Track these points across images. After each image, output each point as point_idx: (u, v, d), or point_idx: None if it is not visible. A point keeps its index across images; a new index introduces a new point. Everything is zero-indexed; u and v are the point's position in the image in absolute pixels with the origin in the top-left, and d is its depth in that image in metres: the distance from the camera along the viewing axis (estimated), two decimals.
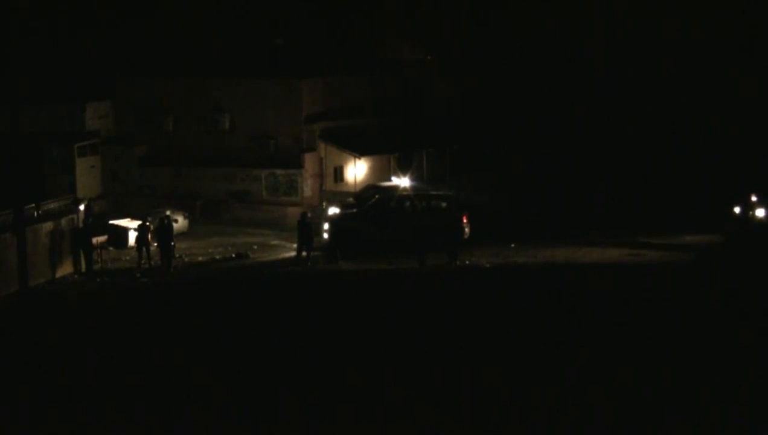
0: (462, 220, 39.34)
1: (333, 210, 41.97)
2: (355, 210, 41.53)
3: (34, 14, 52.33)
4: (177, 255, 39.06)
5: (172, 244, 38.12)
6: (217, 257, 40.37)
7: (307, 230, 38.57)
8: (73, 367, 24.42)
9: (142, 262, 38.39)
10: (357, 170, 47.28)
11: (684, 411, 20.50)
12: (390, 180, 44.90)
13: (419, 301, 31.27)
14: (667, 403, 20.93)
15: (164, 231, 38.13)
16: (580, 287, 32.85)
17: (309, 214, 40.17)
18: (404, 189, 41.88)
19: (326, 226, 41.26)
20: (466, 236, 39.71)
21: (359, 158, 47.10)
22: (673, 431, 19.71)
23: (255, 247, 42.19)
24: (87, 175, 47.00)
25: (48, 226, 36.33)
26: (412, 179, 43.53)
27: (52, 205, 37.30)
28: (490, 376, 22.87)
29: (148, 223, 39.32)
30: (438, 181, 46.49)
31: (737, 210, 41.10)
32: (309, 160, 46.68)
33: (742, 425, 19.78)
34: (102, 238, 39.47)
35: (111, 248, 40.75)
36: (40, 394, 22.38)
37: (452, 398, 21.38)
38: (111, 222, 42.38)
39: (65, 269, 37.07)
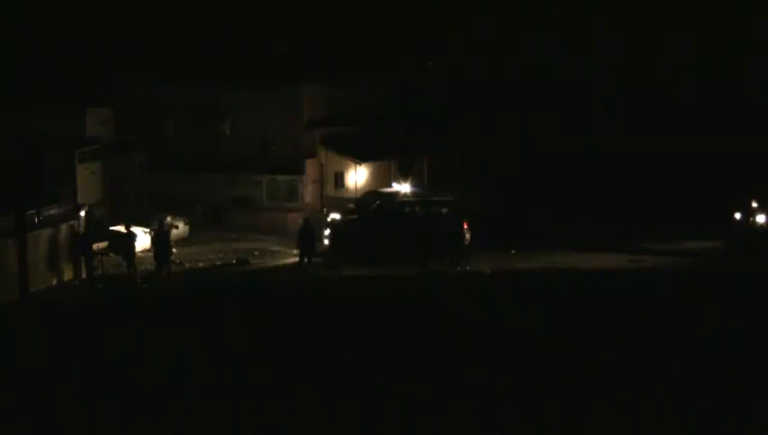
0: (463, 226, 39.32)
1: (334, 216, 42.00)
2: (355, 216, 41.56)
3: (34, 20, 52.38)
4: (178, 260, 39.06)
5: (173, 249, 38.17)
6: (218, 263, 40.37)
7: (309, 236, 38.53)
8: (73, 371, 24.42)
9: (130, 270, 38.29)
10: (358, 176, 47.30)
11: (685, 415, 20.50)
12: (391, 186, 44.92)
13: (419, 307, 31.29)
14: (667, 407, 20.93)
15: (161, 237, 38.10)
16: (580, 293, 32.86)
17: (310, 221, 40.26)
18: (405, 195, 41.90)
19: (327, 232, 41.32)
20: (467, 242, 39.71)
21: (360, 164, 47.13)
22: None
23: (256, 253, 42.20)
24: (88, 181, 47.02)
25: (49, 232, 36.35)
26: (413, 185, 43.55)
27: (53, 211, 37.30)
28: (492, 381, 22.86)
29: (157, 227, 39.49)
30: (439, 187, 46.52)
31: (738, 216, 41.11)
32: (310, 165, 46.72)
33: (743, 428, 19.81)
34: (102, 244, 39.52)
35: (112, 254, 40.76)
36: (41, 398, 22.38)
37: (453, 401, 21.38)
38: (111, 228, 42.41)
39: (66, 275, 37.09)
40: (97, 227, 41.10)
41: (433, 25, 55.14)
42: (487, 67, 53.64)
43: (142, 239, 41.85)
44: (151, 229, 39.58)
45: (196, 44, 52.04)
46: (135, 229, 40.07)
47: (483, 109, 52.11)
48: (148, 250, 42.28)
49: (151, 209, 45.87)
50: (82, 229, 38.28)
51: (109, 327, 30.11)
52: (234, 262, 40.68)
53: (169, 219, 43.28)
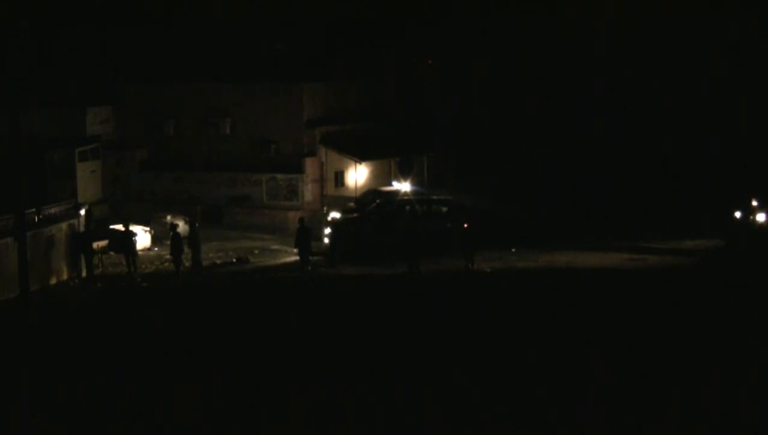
0: (463, 225, 39.30)
1: (334, 215, 42.03)
2: (355, 215, 41.59)
3: (35, 18, 52.36)
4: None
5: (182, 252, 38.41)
6: (218, 262, 40.38)
7: (306, 236, 38.62)
8: (74, 370, 24.43)
9: (131, 268, 38.30)
10: (358, 175, 47.30)
11: (684, 413, 20.51)
12: (391, 185, 44.94)
13: (420, 305, 31.31)
14: (667, 406, 20.94)
15: (175, 238, 38.30)
16: (580, 292, 32.88)
17: (306, 220, 40.47)
18: (405, 194, 41.92)
19: (327, 230, 41.35)
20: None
21: (360, 163, 47.13)
22: (674, 433, 19.75)
23: (256, 251, 42.22)
24: (88, 179, 47.02)
25: (49, 230, 36.38)
26: (413, 184, 43.57)
27: (53, 210, 37.34)
28: (492, 380, 22.87)
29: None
30: (439, 186, 46.52)
31: (738, 214, 41.10)
32: (310, 164, 46.72)
33: (743, 426, 19.83)
34: (102, 243, 39.56)
35: (111, 253, 40.79)
36: (41, 396, 22.39)
37: (453, 400, 21.38)
38: (111, 227, 42.43)
39: (66, 274, 37.11)
40: (97, 226, 41.13)
41: (434, 24, 55.09)
42: (488, 66, 53.61)
43: (142, 238, 41.88)
44: (175, 226, 39.53)
45: (196, 44, 52.02)
46: (134, 228, 40.12)
47: (483, 108, 52.09)
48: (148, 249, 42.33)
49: (151, 208, 45.89)
50: (82, 228, 38.30)
51: (109, 326, 30.13)
52: (234, 260, 40.70)
53: (169, 217, 43.29)
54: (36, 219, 35.97)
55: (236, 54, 51.17)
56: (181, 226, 43.78)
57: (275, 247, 43.11)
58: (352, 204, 43.27)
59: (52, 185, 44.85)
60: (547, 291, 33.20)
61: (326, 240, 41.34)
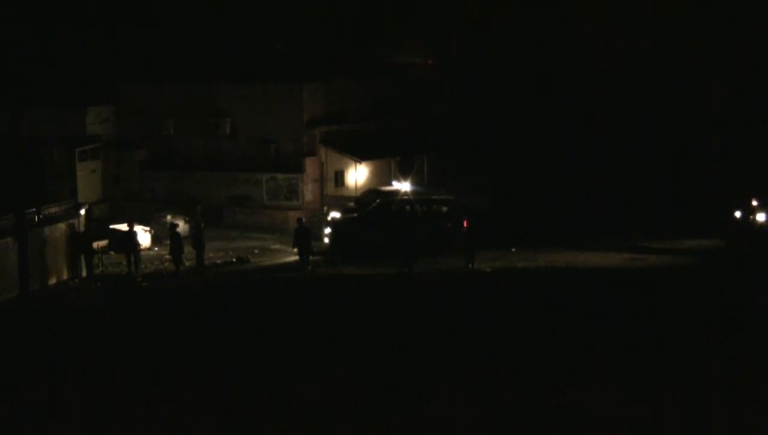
0: (463, 224, 39.35)
1: (334, 214, 42.06)
2: (356, 214, 41.60)
3: (36, 18, 52.36)
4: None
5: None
6: (218, 262, 40.40)
7: (304, 236, 38.66)
8: (74, 371, 24.44)
9: (131, 268, 38.32)
10: (358, 174, 47.31)
11: (685, 413, 20.53)
12: (391, 184, 44.93)
13: (419, 305, 31.33)
14: (667, 405, 20.95)
15: (175, 238, 38.40)
16: (581, 292, 32.89)
17: (304, 220, 40.43)
18: (405, 193, 41.93)
19: (327, 230, 41.37)
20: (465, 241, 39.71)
21: (360, 162, 47.14)
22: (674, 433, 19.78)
23: (256, 251, 42.24)
24: (88, 179, 47.03)
25: (49, 230, 36.38)
26: (413, 184, 43.57)
27: (53, 210, 37.35)
28: (492, 380, 22.88)
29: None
30: (439, 186, 46.53)
31: (738, 214, 41.11)
32: (310, 164, 46.73)
33: (743, 427, 19.84)
34: (102, 243, 39.57)
35: (112, 253, 40.81)
36: (41, 396, 22.40)
37: (452, 399, 21.39)
38: (111, 226, 42.44)
39: (66, 274, 37.11)
40: (97, 226, 41.13)
41: (434, 24, 55.11)
42: (488, 66, 53.61)
43: (142, 238, 41.89)
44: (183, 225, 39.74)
45: (196, 44, 52.02)
46: (135, 228, 40.12)
47: (484, 107, 52.08)
48: (148, 249, 42.34)
49: (151, 208, 45.88)
50: (82, 228, 38.30)
51: (109, 326, 30.14)
52: (234, 260, 40.71)
53: (169, 217, 43.30)
54: (36, 219, 35.97)
55: (236, 54, 51.17)
56: (181, 226, 43.88)
57: (275, 246, 43.12)
58: (352, 204, 43.27)
59: (52, 185, 44.83)
60: (548, 291, 33.23)
61: (326, 240, 41.37)
